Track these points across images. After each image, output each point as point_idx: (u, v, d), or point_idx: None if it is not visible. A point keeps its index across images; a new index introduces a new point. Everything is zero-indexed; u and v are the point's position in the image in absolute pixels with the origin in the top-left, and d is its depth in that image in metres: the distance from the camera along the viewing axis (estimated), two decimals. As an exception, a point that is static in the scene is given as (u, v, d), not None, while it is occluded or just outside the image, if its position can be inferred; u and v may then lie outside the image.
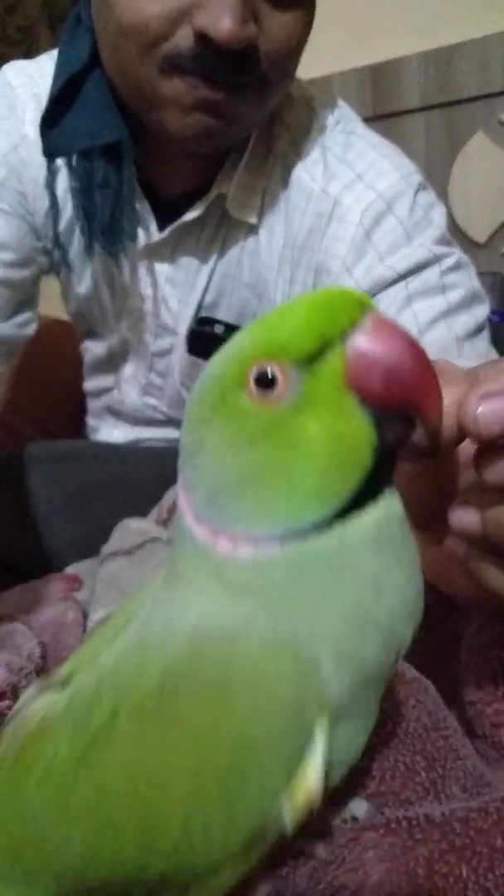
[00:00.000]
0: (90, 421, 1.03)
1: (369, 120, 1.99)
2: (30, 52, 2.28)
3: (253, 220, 0.73)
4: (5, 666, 0.51)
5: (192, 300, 0.79)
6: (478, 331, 0.76)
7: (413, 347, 0.27)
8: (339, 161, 0.72)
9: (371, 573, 0.28)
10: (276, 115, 0.73)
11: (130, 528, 0.76)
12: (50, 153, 0.68)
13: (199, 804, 0.26)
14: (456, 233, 1.99)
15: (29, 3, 2.17)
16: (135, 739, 0.27)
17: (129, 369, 0.91)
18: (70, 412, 1.11)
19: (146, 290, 0.81)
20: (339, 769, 0.31)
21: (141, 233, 0.76)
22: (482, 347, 0.75)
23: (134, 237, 0.72)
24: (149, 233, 0.77)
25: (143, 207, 0.75)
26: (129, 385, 0.92)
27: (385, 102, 1.91)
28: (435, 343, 0.70)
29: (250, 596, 0.28)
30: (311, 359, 0.27)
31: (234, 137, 0.65)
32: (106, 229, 0.70)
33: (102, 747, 0.27)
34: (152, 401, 0.93)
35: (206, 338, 0.77)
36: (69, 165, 0.71)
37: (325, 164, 0.72)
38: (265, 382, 0.27)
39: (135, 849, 0.27)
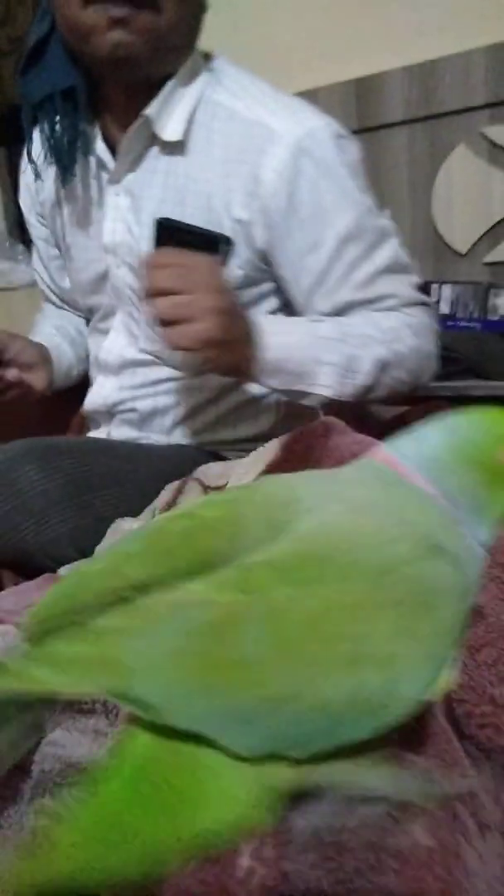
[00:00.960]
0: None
1: (354, 132, 2.01)
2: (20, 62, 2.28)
3: (177, 137, 0.87)
4: (-1, 669, 0.51)
5: (146, 218, 0.91)
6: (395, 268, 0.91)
7: None
8: (272, 98, 0.88)
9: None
10: (200, 64, 0.90)
11: (123, 529, 0.77)
12: (24, 97, 0.91)
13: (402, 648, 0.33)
14: (438, 243, 2.02)
15: (20, 13, 2.18)
16: (346, 591, 0.33)
17: (118, 319, 1.02)
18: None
19: (114, 223, 0.95)
20: None
21: (102, 174, 0.94)
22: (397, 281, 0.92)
23: (87, 152, 0.92)
24: (108, 170, 0.94)
25: (102, 149, 0.92)
26: (119, 333, 1.02)
27: (369, 115, 1.93)
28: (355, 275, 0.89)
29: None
30: None
31: (147, 57, 0.82)
32: (66, 151, 0.90)
33: (316, 592, 0.32)
34: (134, 335, 1.01)
35: (170, 232, 0.85)
36: (40, 110, 0.90)
37: (257, 97, 0.88)
38: None
39: (341, 667, 0.31)
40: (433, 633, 0.35)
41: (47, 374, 1.02)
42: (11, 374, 0.96)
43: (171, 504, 0.81)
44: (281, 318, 0.92)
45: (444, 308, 1.90)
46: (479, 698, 0.46)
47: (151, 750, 0.28)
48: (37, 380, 1.00)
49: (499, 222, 1.87)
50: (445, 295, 1.90)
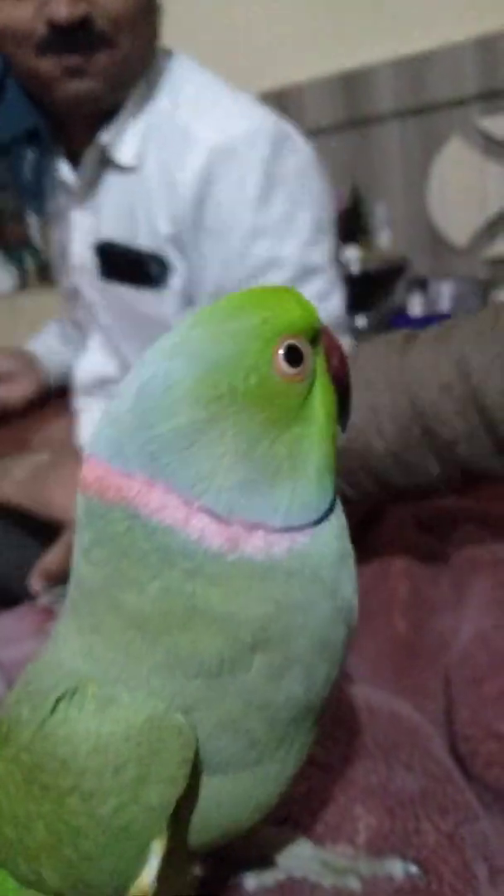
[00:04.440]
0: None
1: (343, 126, 1.98)
2: None
3: (132, 161, 0.85)
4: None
5: (93, 240, 0.92)
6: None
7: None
8: (208, 101, 0.85)
9: (343, 562, 0.29)
10: (156, 73, 0.86)
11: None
12: None
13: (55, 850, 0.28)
14: (435, 238, 1.98)
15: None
16: (11, 766, 0.29)
17: (95, 339, 0.99)
18: None
19: (81, 245, 0.93)
20: (243, 814, 0.30)
21: (70, 196, 0.92)
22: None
23: (53, 193, 0.92)
24: (71, 192, 0.92)
25: (67, 173, 0.90)
26: (94, 352, 1.00)
27: (358, 109, 1.90)
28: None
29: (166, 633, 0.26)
30: (316, 338, 0.29)
31: (108, 94, 0.81)
32: (33, 195, 0.91)
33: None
34: (115, 354, 0.98)
35: (110, 255, 0.88)
36: (4, 152, 0.88)
37: (193, 100, 0.85)
38: (296, 358, 0.27)
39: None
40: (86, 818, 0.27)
41: (33, 381, 1.03)
42: None
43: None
44: None
45: (445, 306, 1.86)
46: (484, 735, 0.43)
47: None
48: (15, 389, 1.01)
49: (496, 217, 1.83)
50: (445, 292, 1.86)
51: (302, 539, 0.26)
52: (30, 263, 2.83)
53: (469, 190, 1.84)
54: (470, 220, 1.87)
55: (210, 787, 0.28)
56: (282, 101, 1.96)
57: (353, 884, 0.37)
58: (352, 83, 1.90)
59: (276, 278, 0.80)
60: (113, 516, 0.26)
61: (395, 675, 0.54)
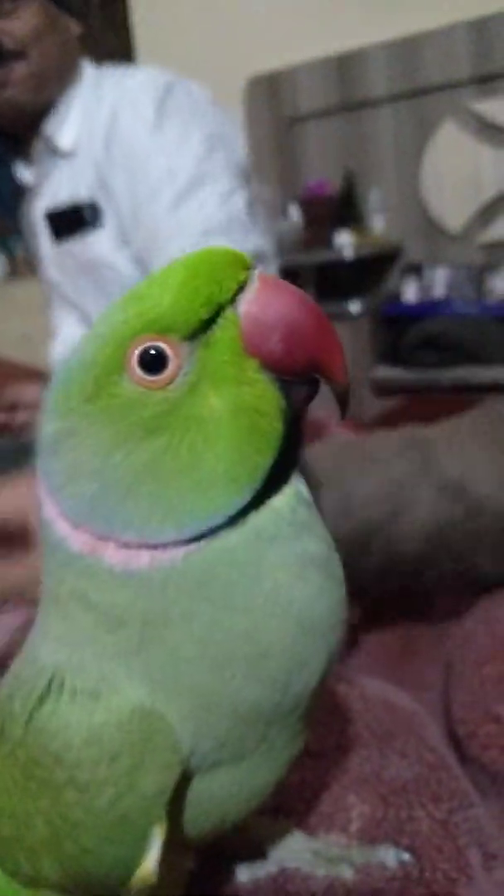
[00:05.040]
0: None
1: (336, 110, 1.96)
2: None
3: (71, 143, 0.97)
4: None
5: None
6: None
7: (308, 305, 0.25)
8: (116, 75, 0.99)
9: (292, 564, 0.26)
10: (82, 82, 1.00)
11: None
12: None
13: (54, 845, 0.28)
14: (429, 223, 1.97)
15: None
16: (5, 768, 0.28)
17: (70, 319, 1.09)
18: None
19: (42, 236, 1.04)
20: (236, 805, 0.29)
21: (28, 195, 1.05)
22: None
23: (20, 200, 1.04)
24: (31, 191, 1.05)
25: (24, 171, 1.03)
26: (70, 328, 1.09)
27: (351, 93, 1.88)
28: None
29: (123, 628, 0.25)
30: (201, 330, 0.24)
31: (32, 98, 0.95)
32: (5, 207, 1.04)
33: None
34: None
35: (56, 219, 1.00)
36: None
37: (109, 80, 0.99)
38: (154, 363, 0.24)
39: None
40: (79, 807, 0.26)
41: None
42: (20, 418, 1.02)
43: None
44: None
45: (439, 292, 1.85)
46: (482, 717, 0.42)
47: None
48: None
49: (490, 201, 1.82)
50: (440, 278, 1.85)
51: (167, 556, 0.25)
52: (20, 251, 2.80)
53: (463, 174, 1.83)
54: (464, 205, 1.86)
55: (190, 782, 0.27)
56: (274, 84, 1.95)
57: (346, 872, 0.36)
58: (345, 66, 1.88)
59: (174, 188, 0.91)
60: None
61: (392, 664, 0.53)
